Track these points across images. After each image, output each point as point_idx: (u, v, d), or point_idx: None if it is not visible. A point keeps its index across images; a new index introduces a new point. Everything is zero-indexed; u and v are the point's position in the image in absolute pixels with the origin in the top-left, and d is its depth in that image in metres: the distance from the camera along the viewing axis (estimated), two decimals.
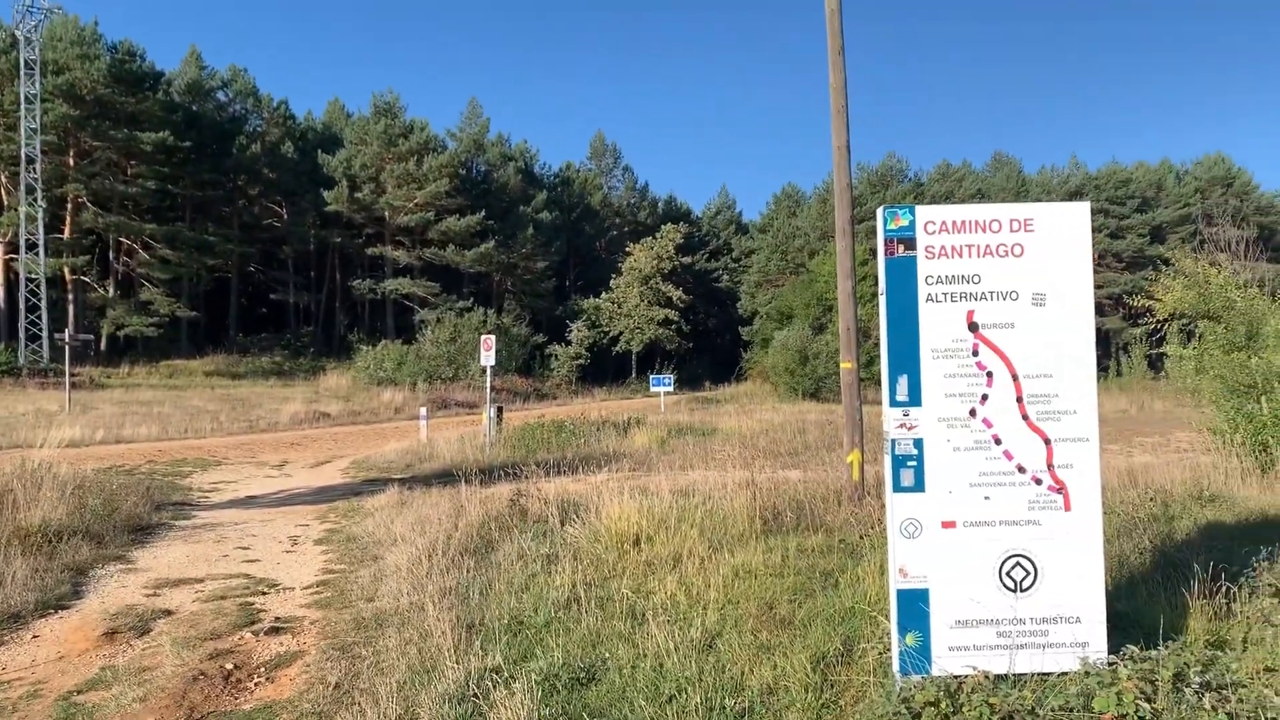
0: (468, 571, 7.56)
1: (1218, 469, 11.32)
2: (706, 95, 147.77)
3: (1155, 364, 47.18)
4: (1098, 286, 67.09)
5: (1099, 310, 67.95)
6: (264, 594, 7.92)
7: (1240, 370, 12.15)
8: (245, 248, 56.91)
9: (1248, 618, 5.50)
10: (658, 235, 65.19)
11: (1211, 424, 12.91)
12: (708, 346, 75.00)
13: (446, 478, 14.71)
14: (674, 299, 63.82)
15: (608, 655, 5.47)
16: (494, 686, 4.86)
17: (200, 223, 54.99)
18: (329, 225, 59.33)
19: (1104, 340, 69.37)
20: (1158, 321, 13.94)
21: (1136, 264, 66.81)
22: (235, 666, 5.89)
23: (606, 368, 62.61)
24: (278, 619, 7.06)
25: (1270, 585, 6.05)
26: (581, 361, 56.69)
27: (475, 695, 4.84)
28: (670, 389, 37.76)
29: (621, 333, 63.22)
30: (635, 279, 63.23)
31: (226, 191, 56.61)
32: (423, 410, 24.61)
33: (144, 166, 50.13)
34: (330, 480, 16.87)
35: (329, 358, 53.72)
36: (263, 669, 5.89)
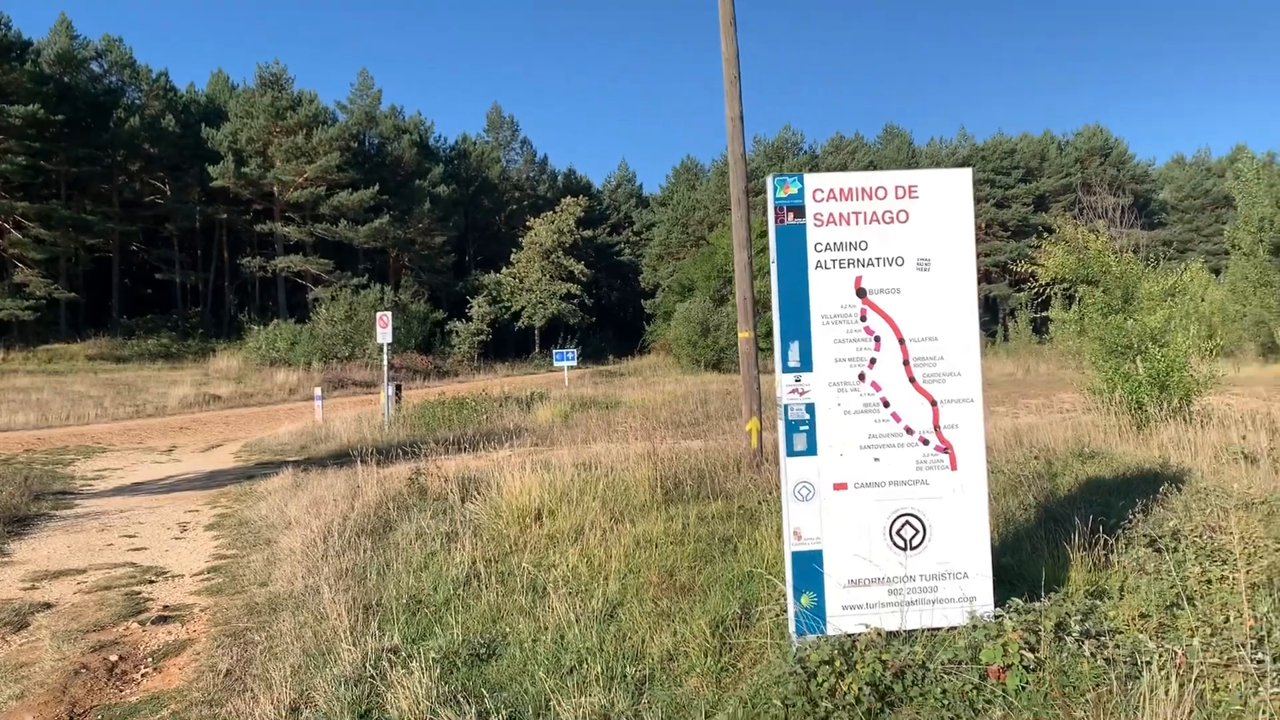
0: (365, 552, 7.41)
1: (1097, 427, 11.83)
2: (604, 67, 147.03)
3: (1040, 329, 49.00)
4: (985, 254, 69.76)
5: (987, 278, 70.38)
6: (151, 582, 7.63)
7: (1117, 332, 12.71)
8: (127, 226, 54.39)
9: (1124, 567, 5.77)
10: (558, 209, 64.70)
11: (1091, 384, 13.49)
12: (611, 320, 75.06)
13: (343, 459, 14.39)
14: (576, 273, 63.57)
15: (508, 630, 5.44)
16: (391, 666, 4.78)
17: (77, 200, 52.32)
18: (215, 201, 57.14)
19: (992, 307, 71.77)
20: (1041, 286, 14.46)
21: (1021, 232, 69.07)
22: (120, 658, 5.67)
23: (509, 344, 62.12)
24: (166, 607, 6.82)
25: (1145, 536, 6.35)
26: (483, 338, 56.11)
27: (372, 676, 4.76)
28: (574, 363, 37.71)
29: (524, 308, 62.72)
30: (536, 253, 62.73)
31: (104, 167, 53.88)
32: (318, 391, 24.03)
33: (13, 141, 47.36)
34: (222, 464, 16.37)
35: (219, 339, 51.89)
36: (150, 659, 5.69)
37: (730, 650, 4.84)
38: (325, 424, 20.39)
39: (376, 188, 56.59)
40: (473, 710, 4.23)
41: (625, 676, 4.64)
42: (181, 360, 45.92)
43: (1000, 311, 69.39)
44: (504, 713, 4.23)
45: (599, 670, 4.65)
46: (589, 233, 68.56)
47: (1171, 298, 13.60)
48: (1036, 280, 14.25)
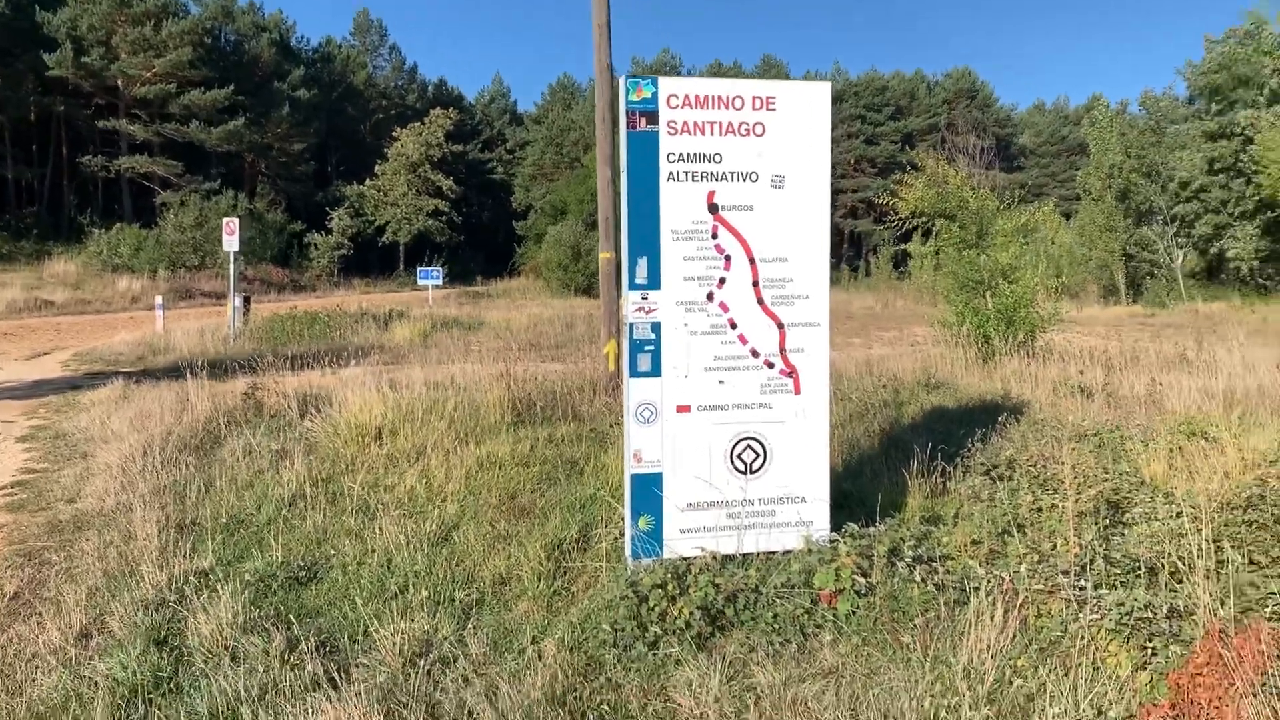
0: (188, 469, 6.94)
1: (945, 359, 12.15)
2: None
3: (900, 264, 50.43)
4: (852, 190, 71.17)
5: (853, 213, 71.93)
6: None
7: (970, 267, 13.03)
8: None
9: (961, 495, 5.86)
10: (427, 120, 62.18)
11: (943, 318, 13.84)
12: (481, 240, 73.41)
13: (181, 371, 13.57)
14: (444, 189, 61.52)
15: (333, 552, 5.15)
16: (198, 590, 4.44)
17: None
18: (52, 93, 52.78)
19: (856, 242, 73.49)
20: (901, 219, 14.68)
21: (888, 170, 70.44)
22: None
23: (372, 260, 60.01)
24: None
25: (982, 465, 6.48)
26: (344, 252, 53.98)
27: (175, 601, 4.41)
28: (439, 283, 36.69)
29: (388, 222, 60.47)
30: (403, 166, 60.33)
31: None
32: (158, 299, 22.64)
33: None
34: (47, 373, 15.23)
35: (56, 241, 48.34)
36: None
37: (565, 574, 4.68)
38: (166, 335, 19.24)
39: (232, 88, 53.21)
40: (281, 637, 3.95)
41: (454, 601, 4.43)
42: (13, 262, 42.60)
43: (864, 247, 71.06)
44: (314, 640, 3.96)
45: (425, 595, 4.44)
46: (459, 147, 66.44)
47: (1024, 236, 14.00)
48: (897, 213, 14.46)
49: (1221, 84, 38.74)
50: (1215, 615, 3.82)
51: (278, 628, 4.07)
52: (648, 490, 4.52)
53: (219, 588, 4.41)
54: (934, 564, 4.57)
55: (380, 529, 5.33)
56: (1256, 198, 35.93)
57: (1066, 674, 3.71)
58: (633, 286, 4.48)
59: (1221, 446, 6.70)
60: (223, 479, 6.66)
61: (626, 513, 4.54)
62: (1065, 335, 14.71)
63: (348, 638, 4.11)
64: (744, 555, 4.57)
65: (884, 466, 6.37)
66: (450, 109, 65.19)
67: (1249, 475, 6.00)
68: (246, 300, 21.68)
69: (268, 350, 15.83)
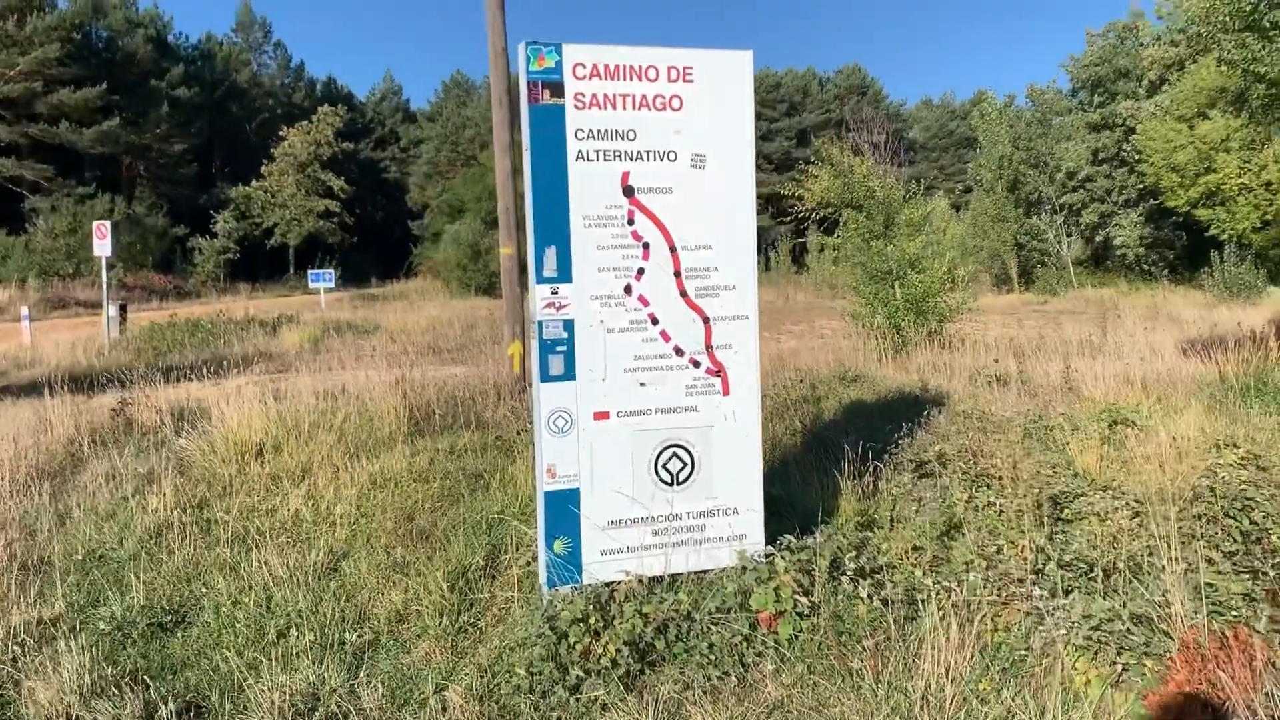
0: (41, 498, 6.15)
1: (858, 351, 11.93)
2: None
3: (798, 259, 50.80)
4: None
5: None
6: None
7: (878, 258, 12.86)
8: None
9: (893, 494, 5.52)
10: (315, 118, 60.18)
11: (852, 310, 13.66)
12: (376, 240, 71.36)
13: (48, 387, 12.50)
14: (336, 189, 59.57)
15: (204, 590, 4.51)
16: (41, 644, 3.78)
17: None
18: None
19: (757, 237, 73.93)
20: (807, 210, 14.47)
21: (784, 165, 71.15)
22: None
23: (260, 263, 57.71)
24: None
25: (911, 460, 6.18)
26: (230, 256, 51.82)
27: (9, 661, 3.73)
28: (331, 285, 35.39)
29: (276, 224, 58.23)
30: (291, 166, 58.16)
31: None
32: (24, 310, 21.14)
33: None
34: None
35: None
36: None
37: (471, 608, 4.15)
38: (33, 347, 17.88)
39: (104, 86, 50.53)
40: (137, 700, 3.34)
41: (343, 645, 3.87)
42: None
43: (764, 242, 71.60)
44: (178, 702, 3.36)
45: (310, 639, 3.86)
46: (350, 146, 64.52)
47: (919, 228, 13.92)
48: (803, 203, 14.24)
49: (1103, 76, 40.03)
50: (1186, 624, 3.52)
51: (134, 688, 3.46)
52: (563, 509, 4.02)
53: (66, 641, 3.75)
54: (877, 575, 4.20)
55: (259, 560, 4.71)
56: (1140, 186, 37.23)
57: (1034, 696, 3.37)
58: (541, 280, 3.98)
59: (1149, 434, 6.55)
60: (81, 508, 5.92)
61: (540, 536, 4.03)
62: (971, 324, 14.71)
63: (219, 695, 3.51)
64: (673, 576, 4.11)
65: (811, 468, 5.99)
66: (340, 106, 63.32)
67: (1185, 464, 5.83)
68: (123, 308, 20.40)
69: (146, 361, 14.80)
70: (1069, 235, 40.93)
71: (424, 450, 6.83)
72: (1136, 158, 36.20)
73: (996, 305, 30.75)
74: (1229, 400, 7.82)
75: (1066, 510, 5.23)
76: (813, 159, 16.34)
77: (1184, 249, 38.11)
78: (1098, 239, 41.40)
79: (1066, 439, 6.59)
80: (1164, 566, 3.83)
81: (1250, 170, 30.52)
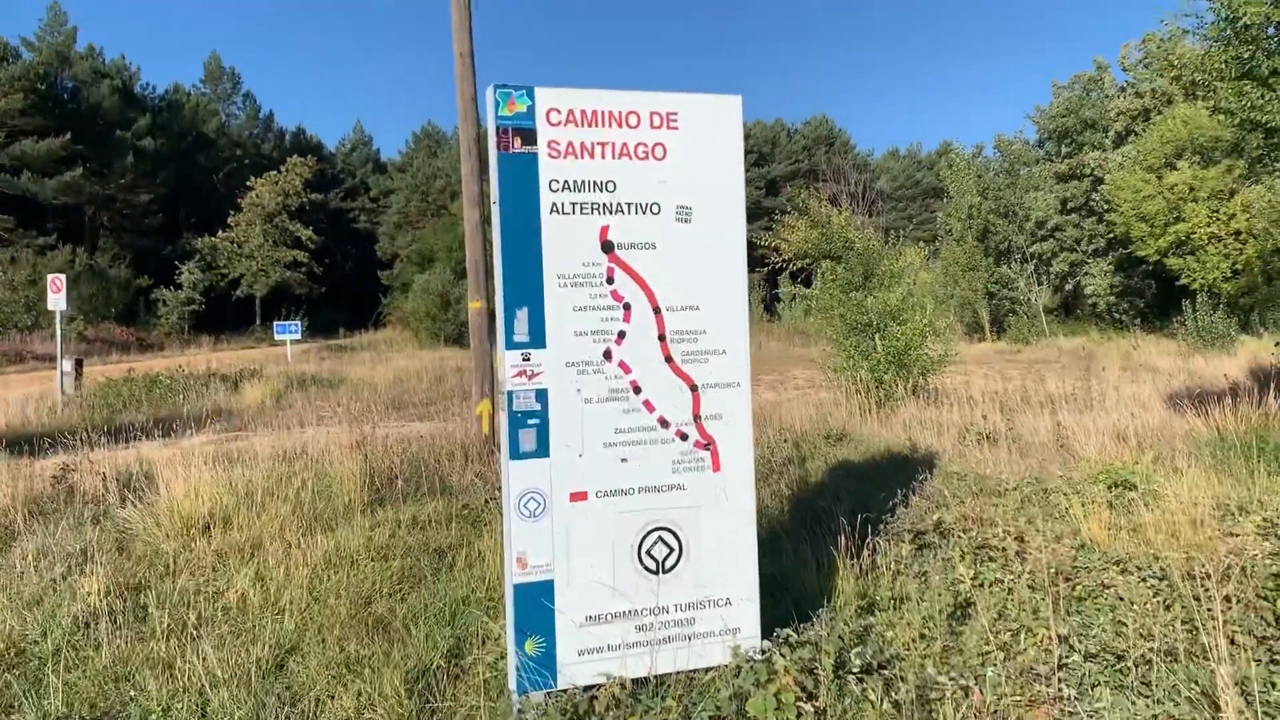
0: None
1: (839, 405, 11.57)
2: (336, 19, 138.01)
3: (770, 307, 50.71)
4: None
5: None
6: None
7: (857, 309, 12.57)
8: None
9: (892, 569, 5.11)
10: (284, 168, 59.76)
11: (832, 362, 13.33)
12: (345, 291, 70.68)
13: None
14: (304, 239, 58.97)
15: (133, 694, 4.00)
16: None
17: None
18: None
19: None
20: (784, 260, 14.21)
21: (755, 215, 71.41)
22: None
23: (227, 315, 56.92)
24: None
25: (909, 530, 5.79)
26: (195, 308, 51.00)
27: None
28: (298, 337, 34.78)
29: (243, 275, 57.54)
30: (258, 216, 57.53)
31: None
32: None
33: None
34: None
35: None
36: None
37: (432, 715, 3.67)
38: None
39: (69, 136, 49.97)
40: None
41: None
42: None
43: None
44: None
45: None
46: (319, 196, 64.06)
47: (908, 277, 13.69)
48: (780, 254, 13.99)
49: (1069, 127, 40.51)
50: None
51: None
52: (535, 603, 3.57)
53: None
54: (886, 671, 3.77)
55: (198, 656, 4.21)
56: (1109, 235, 37.50)
57: None
58: (511, 345, 3.57)
59: (1154, 499, 6.20)
60: (6, 593, 5.38)
61: (509, 634, 3.57)
62: (952, 377, 14.43)
63: None
64: (659, 678, 3.66)
65: (803, 539, 5.58)
66: (309, 157, 62.99)
67: (1201, 535, 5.47)
68: (79, 363, 19.73)
69: (102, 420, 14.18)
70: (1039, 284, 41.12)
71: (385, 522, 6.35)
72: (1105, 207, 36.52)
73: (971, 354, 30.64)
74: (1230, 460, 7.50)
75: (1079, 586, 4.85)
76: (787, 208, 16.13)
77: (1154, 297, 38.34)
78: (1067, 287, 41.62)
79: (1068, 504, 6.22)
80: (1207, 659, 3.44)
81: (1219, 219, 30.80)
